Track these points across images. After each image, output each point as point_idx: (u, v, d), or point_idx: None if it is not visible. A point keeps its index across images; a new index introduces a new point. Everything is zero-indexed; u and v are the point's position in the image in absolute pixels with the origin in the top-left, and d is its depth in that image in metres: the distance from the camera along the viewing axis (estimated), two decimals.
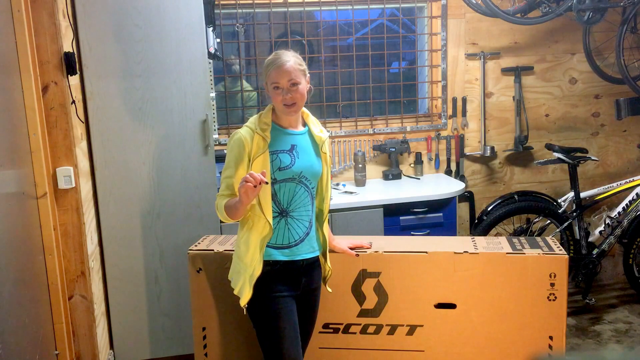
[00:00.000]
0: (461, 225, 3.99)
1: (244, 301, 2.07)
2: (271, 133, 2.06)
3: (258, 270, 2.04)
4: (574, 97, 4.04)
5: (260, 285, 2.05)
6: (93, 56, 2.74)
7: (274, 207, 2.07)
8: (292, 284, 2.12)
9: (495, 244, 2.45)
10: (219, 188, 2.13)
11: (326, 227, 2.23)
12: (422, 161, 3.86)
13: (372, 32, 3.81)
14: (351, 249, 2.41)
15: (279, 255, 2.09)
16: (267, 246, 2.07)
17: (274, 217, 2.07)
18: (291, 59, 2.04)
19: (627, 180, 3.55)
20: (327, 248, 2.24)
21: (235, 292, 2.12)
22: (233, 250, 2.42)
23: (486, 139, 3.96)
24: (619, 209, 3.53)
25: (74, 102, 2.53)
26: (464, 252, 2.37)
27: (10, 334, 1.86)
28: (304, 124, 2.19)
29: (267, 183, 1.88)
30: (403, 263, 2.40)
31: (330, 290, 2.29)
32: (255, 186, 1.84)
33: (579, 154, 3.53)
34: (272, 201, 2.05)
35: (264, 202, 2.02)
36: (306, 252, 2.13)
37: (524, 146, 3.92)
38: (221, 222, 2.93)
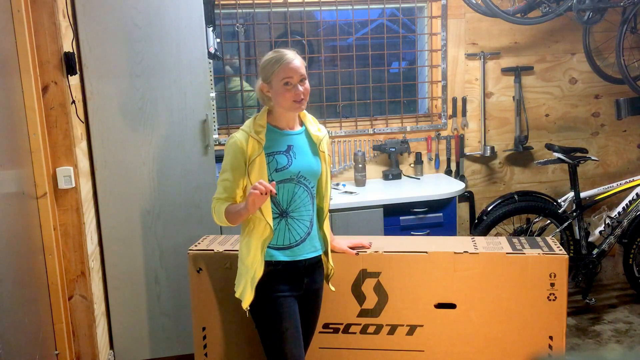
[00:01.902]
0: (461, 225, 3.99)
1: (246, 303, 2.06)
2: (267, 135, 2.06)
3: (259, 273, 2.04)
4: (574, 97, 4.04)
5: (262, 287, 2.05)
6: (93, 56, 2.74)
7: (273, 208, 2.06)
8: (294, 284, 2.11)
9: (495, 244, 2.45)
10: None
11: (327, 226, 2.23)
12: (422, 161, 3.86)
13: (372, 32, 3.81)
14: (351, 248, 2.41)
15: (281, 256, 2.09)
16: (269, 247, 2.07)
17: (274, 218, 2.06)
18: (297, 56, 2.05)
19: (627, 180, 3.55)
20: (329, 247, 2.25)
21: (237, 295, 2.11)
22: (233, 250, 2.44)
23: (486, 139, 3.96)
24: (619, 209, 3.53)
25: (74, 102, 2.53)
26: (464, 252, 2.37)
27: (10, 334, 1.86)
28: (301, 124, 2.19)
29: (275, 195, 1.90)
30: (403, 263, 2.40)
31: (333, 288, 2.29)
32: (264, 194, 1.85)
33: (579, 154, 3.53)
34: (271, 203, 2.05)
35: (264, 204, 2.01)
36: (308, 252, 2.13)
37: (524, 146, 3.93)
38: None
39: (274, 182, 1.94)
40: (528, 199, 3.62)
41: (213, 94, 3.24)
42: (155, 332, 3.01)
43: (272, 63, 2.04)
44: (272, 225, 2.03)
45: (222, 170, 2.08)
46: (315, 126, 2.19)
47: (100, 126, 2.80)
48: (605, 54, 3.95)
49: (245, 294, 2.06)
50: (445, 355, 2.42)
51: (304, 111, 2.19)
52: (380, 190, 3.51)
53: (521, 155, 4.01)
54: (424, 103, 4.05)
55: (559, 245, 2.43)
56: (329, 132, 3.71)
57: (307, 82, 2.05)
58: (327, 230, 2.23)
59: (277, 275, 2.08)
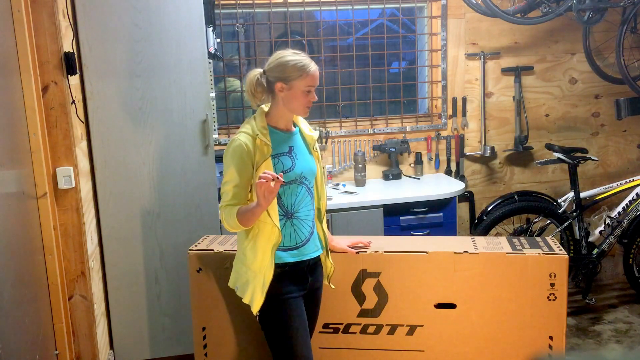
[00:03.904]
0: (461, 225, 3.99)
1: (256, 309, 2.05)
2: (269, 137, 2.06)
3: (269, 276, 2.02)
4: (574, 97, 4.04)
5: (271, 290, 2.04)
6: (93, 56, 2.74)
7: (279, 210, 2.06)
8: (300, 284, 2.12)
9: (495, 244, 2.45)
10: (219, 195, 2.10)
11: (324, 225, 2.24)
12: (422, 161, 3.86)
13: (372, 32, 3.81)
14: (351, 247, 2.41)
15: (288, 257, 2.08)
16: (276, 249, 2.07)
17: (279, 220, 2.06)
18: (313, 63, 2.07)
19: (627, 180, 3.56)
20: (328, 245, 2.25)
21: (245, 301, 2.09)
22: (233, 250, 2.43)
23: (486, 139, 3.96)
24: (619, 209, 3.53)
25: (74, 102, 2.53)
26: (464, 252, 2.37)
27: (10, 334, 1.86)
28: (294, 125, 2.19)
29: (284, 183, 1.88)
30: (403, 263, 2.40)
31: (333, 287, 2.29)
32: (273, 180, 1.83)
33: (579, 154, 3.53)
34: (277, 205, 2.05)
35: (271, 207, 2.00)
36: (312, 251, 2.14)
37: (524, 146, 3.92)
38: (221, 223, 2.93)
39: (281, 174, 1.93)
40: (528, 199, 3.62)
41: (213, 94, 3.24)
42: (155, 332, 3.01)
43: (298, 67, 2.01)
44: (279, 227, 2.02)
45: (226, 177, 2.04)
46: (307, 126, 2.22)
47: (100, 126, 2.80)
48: (605, 54, 3.95)
49: (255, 299, 2.04)
50: (445, 355, 2.43)
51: None
52: (380, 190, 3.51)
53: (521, 155, 4.01)
54: (424, 103, 4.05)
55: (559, 245, 2.43)
56: (329, 132, 3.74)
57: None
58: (325, 229, 2.24)
59: (285, 277, 2.08)
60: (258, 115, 2.09)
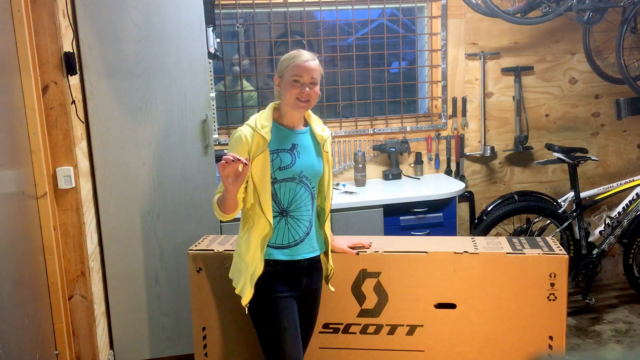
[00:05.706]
0: (461, 225, 3.99)
1: (245, 300, 2.07)
2: (272, 132, 2.06)
3: (259, 270, 2.04)
4: (574, 97, 4.04)
5: (261, 286, 2.05)
6: (93, 56, 2.74)
7: (274, 206, 2.07)
8: (292, 284, 2.12)
9: (495, 244, 2.45)
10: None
11: (327, 226, 2.23)
12: (422, 161, 3.86)
13: (372, 32, 3.81)
14: (351, 248, 2.41)
15: (280, 255, 2.09)
16: (268, 246, 2.07)
17: (274, 217, 2.07)
18: (315, 60, 2.07)
19: (627, 180, 3.55)
20: (329, 247, 2.25)
21: (237, 292, 2.12)
22: (233, 250, 2.43)
23: (486, 139, 3.96)
24: (619, 209, 3.53)
25: (74, 102, 2.53)
26: (464, 252, 2.37)
27: (10, 334, 1.86)
28: (306, 124, 2.19)
29: (246, 164, 1.86)
30: (403, 263, 2.40)
31: (332, 289, 2.29)
32: (234, 162, 1.82)
33: (579, 154, 3.53)
34: (272, 201, 2.05)
35: (264, 201, 2.02)
36: (306, 251, 2.13)
37: (524, 146, 3.93)
38: (221, 222, 2.93)
39: (248, 157, 1.93)
40: (528, 199, 3.62)
41: (213, 94, 3.24)
42: (155, 332, 3.01)
43: (289, 58, 2.07)
44: (272, 223, 2.03)
45: None
46: (319, 126, 2.20)
47: (100, 126, 2.80)
48: (605, 54, 3.95)
49: (245, 290, 2.06)
50: (445, 356, 2.43)
51: (309, 111, 2.19)
52: (380, 190, 3.51)
53: (521, 155, 4.01)
54: (424, 103, 4.05)
55: (559, 245, 2.43)
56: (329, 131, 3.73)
57: (317, 87, 2.06)
58: (328, 231, 2.23)
59: (276, 276, 2.08)
60: (266, 110, 2.12)
